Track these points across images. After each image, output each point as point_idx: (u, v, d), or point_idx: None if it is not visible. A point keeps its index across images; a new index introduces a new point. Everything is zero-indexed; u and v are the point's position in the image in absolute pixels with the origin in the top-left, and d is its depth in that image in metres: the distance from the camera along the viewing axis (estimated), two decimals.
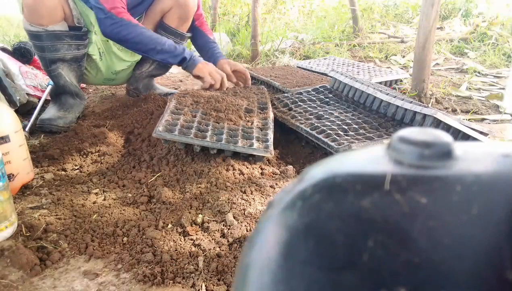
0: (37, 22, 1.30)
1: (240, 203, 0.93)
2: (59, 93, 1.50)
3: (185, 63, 1.43)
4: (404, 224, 0.16)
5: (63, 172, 1.10)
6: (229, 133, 1.18)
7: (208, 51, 1.68)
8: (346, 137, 1.20)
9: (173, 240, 0.82)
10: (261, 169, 1.12)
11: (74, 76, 1.49)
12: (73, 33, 1.38)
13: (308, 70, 2.30)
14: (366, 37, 3.44)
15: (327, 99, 1.55)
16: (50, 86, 1.57)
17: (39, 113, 1.47)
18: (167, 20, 1.60)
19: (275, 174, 1.10)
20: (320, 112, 1.39)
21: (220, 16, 3.88)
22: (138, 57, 1.69)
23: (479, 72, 2.46)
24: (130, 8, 1.53)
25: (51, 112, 1.43)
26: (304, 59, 2.79)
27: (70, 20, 1.36)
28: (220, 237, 0.84)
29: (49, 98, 1.56)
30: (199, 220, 0.88)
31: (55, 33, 1.34)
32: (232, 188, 0.99)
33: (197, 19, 1.70)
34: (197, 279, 0.72)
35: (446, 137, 0.18)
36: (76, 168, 1.14)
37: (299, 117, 1.36)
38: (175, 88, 1.97)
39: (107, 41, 1.52)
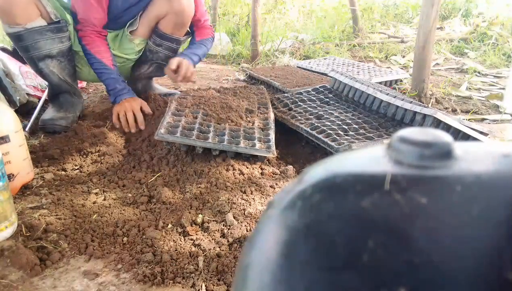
0: (14, 22, 1.30)
1: (240, 203, 0.93)
2: (56, 94, 1.49)
3: (112, 100, 1.46)
4: (404, 224, 0.16)
5: (63, 172, 1.10)
6: (231, 134, 1.18)
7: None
8: (346, 137, 1.20)
9: (173, 240, 0.82)
10: (261, 169, 1.12)
11: (68, 74, 1.48)
12: (53, 26, 1.38)
13: (308, 70, 2.30)
14: (366, 37, 3.44)
15: (327, 99, 1.55)
16: (47, 92, 1.56)
17: (39, 113, 1.47)
18: (162, 26, 1.56)
19: (275, 174, 1.10)
20: (320, 112, 1.39)
21: (220, 16, 3.88)
22: (131, 55, 1.66)
23: (479, 72, 2.46)
24: (124, 10, 1.51)
25: (51, 112, 1.43)
26: (304, 59, 2.79)
27: (48, 17, 1.36)
28: (220, 237, 0.84)
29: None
30: (199, 220, 0.88)
31: (35, 29, 1.34)
32: (232, 188, 0.99)
33: (195, 24, 1.66)
34: (197, 279, 0.72)
35: (446, 137, 0.18)
36: (76, 168, 1.14)
37: (299, 117, 1.36)
38: (175, 88, 1.97)
39: None
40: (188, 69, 1.50)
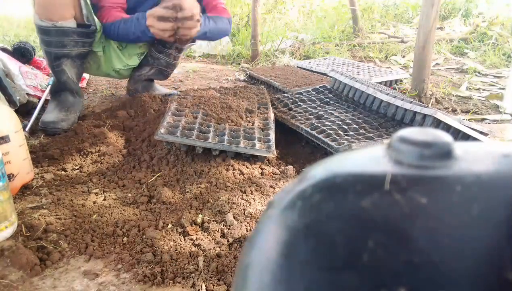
0: (48, 17, 1.33)
1: (240, 203, 0.93)
2: (59, 90, 1.50)
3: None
4: (404, 224, 0.16)
5: (63, 172, 1.10)
6: (231, 134, 1.18)
7: None
8: (346, 137, 1.20)
9: (173, 240, 0.82)
10: (261, 169, 1.12)
11: (75, 73, 1.50)
12: (81, 30, 1.40)
13: (308, 70, 2.30)
14: (366, 37, 3.44)
15: (327, 99, 1.55)
16: (50, 86, 1.57)
17: (39, 113, 1.47)
18: None
19: (275, 174, 1.10)
20: (320, 112, 1.39)
21: None
22: (135, 62, 1.69)
23: (479, 72, 2.46)
24: (132, 8, 1.52)
25: (53, 114, 1.43)
26: (304, 59, 2.79)
27: (80, 18, 1.38)
28: (220, 237, 0.84)
29: (49, 98, 1.56)
30: (199, 220, 0.88)
31: (63, 29, 1.36)
32: (232, 188, 0.99)
33: (206, 7, 1.61)
34: (197, 279, 0.72)
35: (446, 137, 0.18)
36: (76, 168, 1.14)
37: (299, 117, 1.36)
38: (175, 88, 1.98)
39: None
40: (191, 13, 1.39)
